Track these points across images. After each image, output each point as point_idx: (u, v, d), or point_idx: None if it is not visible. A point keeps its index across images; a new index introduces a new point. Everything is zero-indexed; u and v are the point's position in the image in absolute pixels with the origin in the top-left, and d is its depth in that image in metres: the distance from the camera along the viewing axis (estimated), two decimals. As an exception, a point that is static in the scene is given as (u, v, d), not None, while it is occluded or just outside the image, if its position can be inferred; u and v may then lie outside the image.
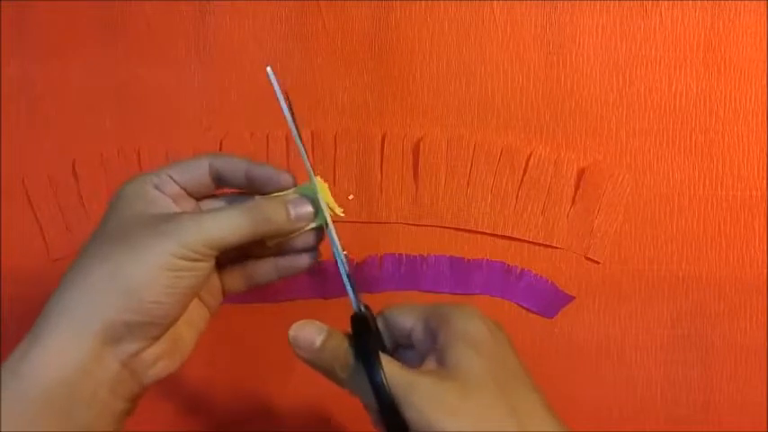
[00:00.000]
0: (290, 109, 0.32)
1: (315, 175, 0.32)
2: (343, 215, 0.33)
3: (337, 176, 0.44)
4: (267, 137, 0.45)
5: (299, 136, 0.32)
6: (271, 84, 0.31)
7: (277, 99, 0.31)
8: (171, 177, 0.31)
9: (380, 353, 0.28)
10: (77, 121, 0.46)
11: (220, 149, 0.45)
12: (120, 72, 0.45)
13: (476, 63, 0.44)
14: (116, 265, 0.28)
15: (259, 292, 0.44)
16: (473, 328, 0.29)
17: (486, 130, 0.44)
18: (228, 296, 0.35)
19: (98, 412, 0.28)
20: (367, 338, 0.29)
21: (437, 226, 0.44)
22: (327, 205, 0.32)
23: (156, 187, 0.31)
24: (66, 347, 0.27)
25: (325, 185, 0.33)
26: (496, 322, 0.30)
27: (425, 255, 0.44)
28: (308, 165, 0.32)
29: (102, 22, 0.45)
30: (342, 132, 0.44)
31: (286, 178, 0.32)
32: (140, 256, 0.28)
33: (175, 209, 0.31)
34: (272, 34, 0.45)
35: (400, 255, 0.44)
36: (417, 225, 0.44)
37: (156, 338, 0.29)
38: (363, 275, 0.44)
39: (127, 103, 0.45)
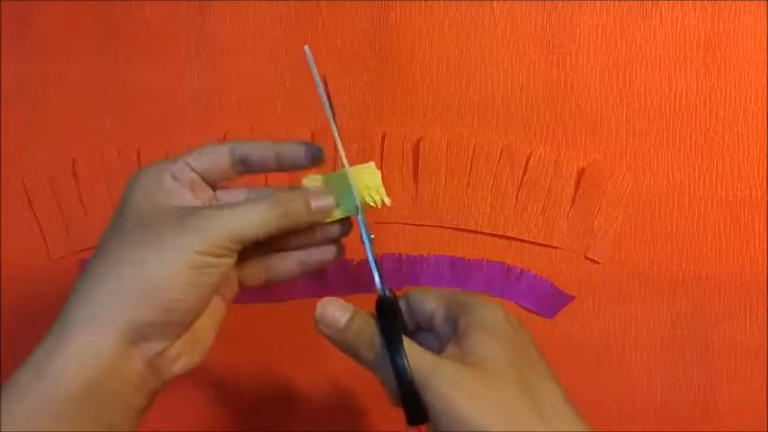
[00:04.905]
0: (327, 92, 0.32)
1: (368, 161, 0.33)
2: (389, 204, 0.33)
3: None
4: (267, 137, 0.45)
5: (335, 121, 0.32)
6: (308, 64, 0.31)
7: (314, 80, 0.31)
8: (188, 164, 0.31)
9: (404, 336, 0.28)
10: (77, 121, 0.46)
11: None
12: (120, 72, 0.45)
13: (476, 63, 0.44)
14: (140, 262, 0.28)
15: (259, 292, 0.44)
16: (494, 317, 0.29)
17: (486, 130, 0.44)
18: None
19: (122, 410, 0.28)
20: (391, 321, 0.29)
21: (437, 226, 0.44)
22: (377, 191, 0.32)
23: (173, 176, 0.30)
24: (93, 349, 0.27)
25: (378, 172, 0.33)
26: (516, 318, 0.30)
27: (425, 255, 0.44)
28: (342, 151, 0.32)
29: (102, 23, 0.45)
30: (342, 132, 0.44)
31: (315, 151, 0.32)
32: (164, 254, 0.28)
33: (194, 200, 0.31)
34: (272, 34, 0.45)
35: (400, 255, 0.44)
36: (417, 225, 0.44)
37: (180, 336, 0.29)
38: (364, 275, 0.44)
39: (127, 103, 0.45)
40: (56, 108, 0.46)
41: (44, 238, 0.46)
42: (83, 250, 0.46)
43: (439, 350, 0.28)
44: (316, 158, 0.32)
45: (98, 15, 0.45)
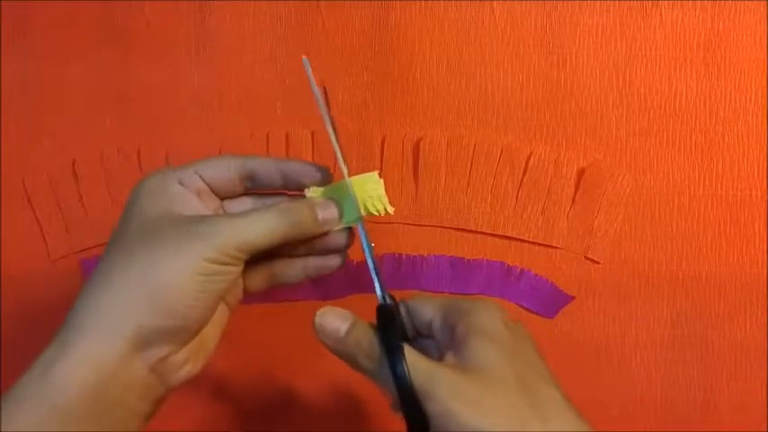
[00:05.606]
0: (326, 101, 0.32)
1: (373, 170, 0.33)
2: (392, 213, 0.33)
3: (337, 177, 0.44)
4: (267, 136, 0.45)
5: (335, 130, 0.32)
6: (306, 74, 0.31)
7: (312, 90, 0.31)
8: (197, 173, 0.31)
9: (405, 345, 0.27)
10: (77, 121, 0.46)
11: (220, 149, 0.45)
12: (120, 72, 0.45)
13: (476, 63, 0.44)
14: (147, 268, 0.27)
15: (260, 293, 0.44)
16: (491, 322, 0.29)
17: (486, 130, 0.44)
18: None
19: (125, 417, 0.28)
20: (391, 329, 0.29)
21: (437, 226, 0.44)
22: (380, 200, 0.32)
23: (180, 182, 0.30)
24: (97, 354, 0.27)
25: (381, 181, 0.32)
26: (516, 319, 0.30)
27: (425, 255, 0.44)
28: (342, 162, 0.32)
29: (102, 23, 0.45)
30: (341, 132, 0.44)
31: (321, 173, 0.32)
32: (172, 260, 0.27)
33: (200, 206, 0.31)
34: (272, 34, 0.45)
35: (400, 255, 0.44)
36: (417, 225, 0.44)
37: (186, 343, 0.29)
38: (364, 276, 0.44)
39: (127, 103, 0.45)
40: (56, 108, 0.46)
41: (44, 238, 0.46)
42: (83, 250, 0.46)
43: (438, 357, 0.28)
44: (322, 179, 0.32)
45: (98, 15, 0.45)
